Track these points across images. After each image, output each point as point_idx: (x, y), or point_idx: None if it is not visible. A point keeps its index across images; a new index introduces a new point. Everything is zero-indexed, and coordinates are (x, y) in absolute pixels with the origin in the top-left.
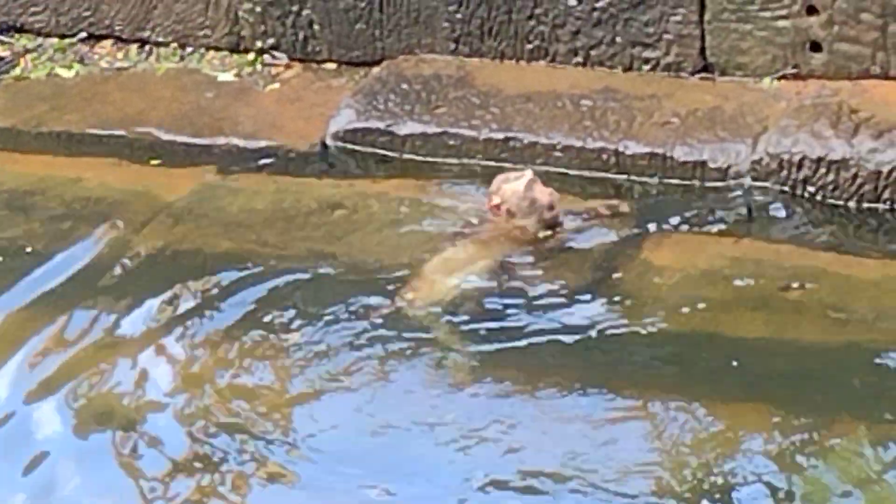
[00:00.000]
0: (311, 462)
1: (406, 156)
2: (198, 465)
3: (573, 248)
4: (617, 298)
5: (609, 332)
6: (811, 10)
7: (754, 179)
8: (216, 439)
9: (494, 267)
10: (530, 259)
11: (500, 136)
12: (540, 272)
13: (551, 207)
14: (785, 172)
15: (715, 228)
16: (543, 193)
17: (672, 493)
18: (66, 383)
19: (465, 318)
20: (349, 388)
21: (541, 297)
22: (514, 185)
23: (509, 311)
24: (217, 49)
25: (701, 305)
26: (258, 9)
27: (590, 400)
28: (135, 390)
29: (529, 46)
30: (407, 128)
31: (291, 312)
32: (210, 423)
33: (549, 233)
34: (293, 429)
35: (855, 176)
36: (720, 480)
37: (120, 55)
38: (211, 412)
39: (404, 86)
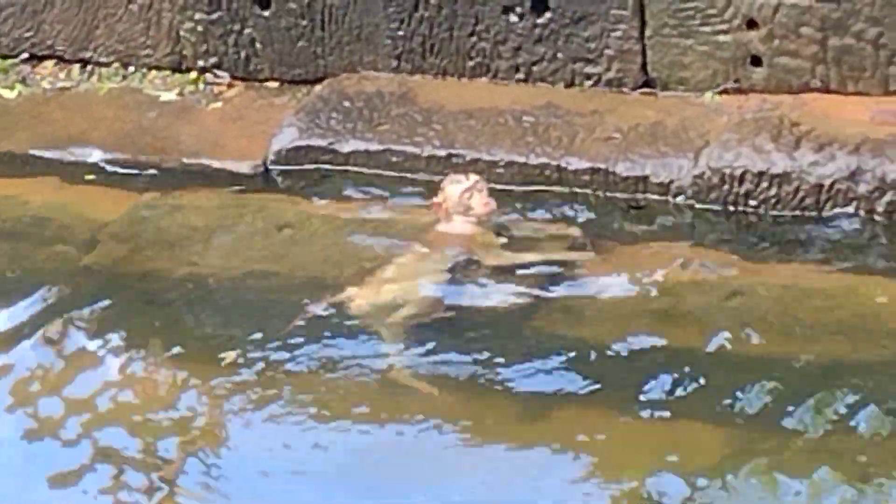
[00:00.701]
0: (253, 476)
1: (349, 173)
2: (141, 481)
3: (520, 260)
4: (561, 311)
5: (552, 343)
6: (751, 25)
7: (696, 193)
8: (157, 457)
9: (442, 275)
10: (478, 270)
11: (443, 152)
12: (487, 283)
13: (486, 217)
14: (727, 186)
15: (658, 242)
16: (479, 203)
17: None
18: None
19: (408, 322)
20: (292, 403)
21: (485, 307)
22: (455, 187)
23: (452, 318)
24: (159, 68)
25: (646, 318)
26: (200, 28)
27: (530, 410)
28: (77, 410)
29: (471, 63)
30: (349, 145)
31: (235, 331)
32: (149, 441)
33: (493, 241)
34: (233, 446)
35: (797, 189)
36: (662, 491)
37: (62, 75)
38: (152, 431)
39: (346, 103)
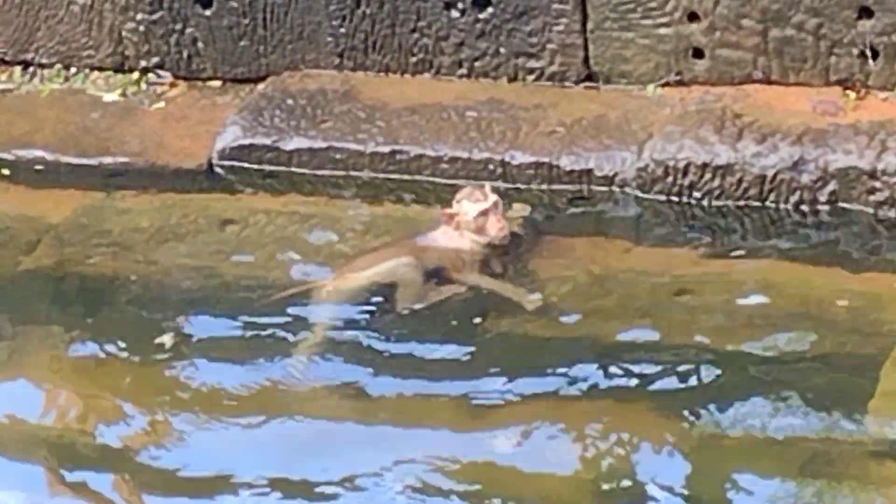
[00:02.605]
0: (196, 475)
1: (293, 171)
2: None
3: (484, 286)
4: (506, 307)
5: (499, 339)
6: (692, 17)
7: (640, 186)
8: (104, 462)
9: (416, 273)
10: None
11: (387, 149)
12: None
13: (498, 241)
14: (671, 178)
15: (603, 236)
16: (494, 228)
17: (561, 500)
18: None
19: (366, 314)
20: (236, 406)
21: (433, 305)
22: (473, 206)
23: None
24: (101, 69)
25: (592, 312)
26: (141, 28)
27: (471, 407)
28: (17, 415)
29: (414, 59)
30: (293, 143)
31: (180, 330)
32: (93, 446)
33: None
34: (174, 450)
35: (740, 180)
36: (610, 487)
37: (4, 77)
38: (93, 435)
39: (290, 101)
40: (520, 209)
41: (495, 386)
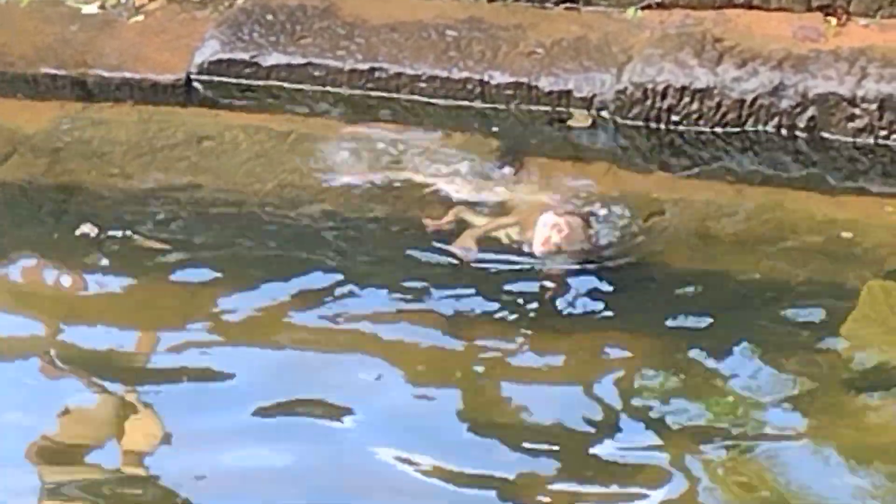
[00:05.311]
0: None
1: (272, 87)
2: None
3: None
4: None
5: (485, 266)
6: None
7: (619, 108)
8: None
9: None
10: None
11: (366, 66)
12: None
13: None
14: (649, 101)
15: (581, 157)
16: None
17: (565, 427)
18: None
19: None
20: (214, 321)
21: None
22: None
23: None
24: None
25: None
26: None
27: (474, 337)
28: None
29: None
30: (272, 59)
31: (155, 243)
32: (68, 359)
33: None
34: (151, 362)
35: (719, 104)
36: (587, 410)
37: None
38: (68, 349)
39: (269, 17)
40: (581, 119)
41: (475, 312)
